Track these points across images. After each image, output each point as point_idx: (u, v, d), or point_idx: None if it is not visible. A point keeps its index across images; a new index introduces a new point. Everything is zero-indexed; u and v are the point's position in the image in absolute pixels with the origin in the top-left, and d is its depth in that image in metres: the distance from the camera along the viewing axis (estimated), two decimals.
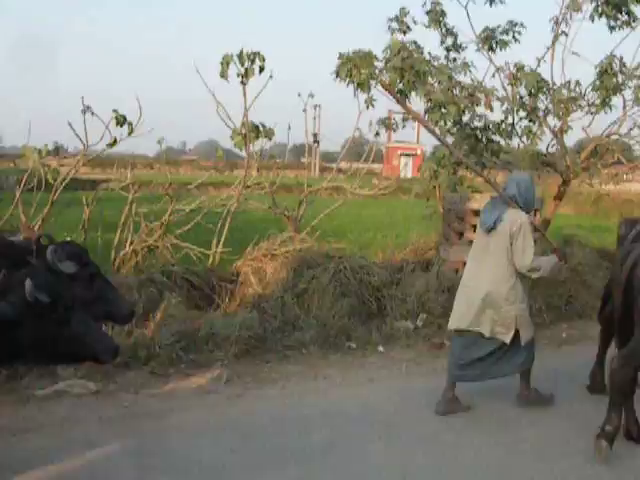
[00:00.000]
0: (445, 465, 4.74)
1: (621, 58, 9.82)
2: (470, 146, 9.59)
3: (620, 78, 9.75)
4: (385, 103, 9.80)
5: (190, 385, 6.10)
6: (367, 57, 9.39)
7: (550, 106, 10.03)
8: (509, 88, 9.74)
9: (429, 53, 9.86)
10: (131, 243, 8.55)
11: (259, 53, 8.65)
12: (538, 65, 9.89)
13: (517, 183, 5.66)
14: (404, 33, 9.80)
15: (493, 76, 10.01)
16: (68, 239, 6.09)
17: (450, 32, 10.19)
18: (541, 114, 9.94)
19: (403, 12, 9.82)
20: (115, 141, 8.18)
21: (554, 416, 5.68)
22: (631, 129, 10.40)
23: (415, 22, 9.88)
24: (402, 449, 4.95)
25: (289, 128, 11.25)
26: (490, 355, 5.60)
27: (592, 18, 9.84)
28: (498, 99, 9.65)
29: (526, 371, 5.77)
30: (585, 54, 10.05)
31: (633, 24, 9.99)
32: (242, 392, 6.01)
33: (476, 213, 8.90)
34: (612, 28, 10.04)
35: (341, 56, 9.12)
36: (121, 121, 8.02)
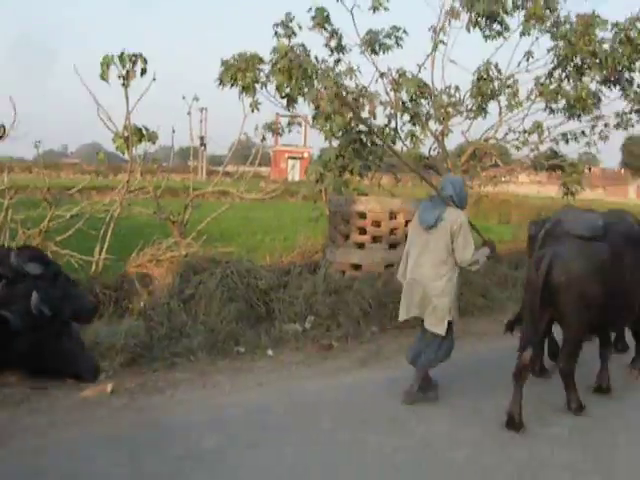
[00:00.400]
0: (338, 464, 4.77)
1: (496, 65, 10.27)
2: (355, 150, 9.75)
3: (496, 84, 10.20)
4: (271, 107, 9.85)
5: (73, 398, 5.86)
6: (252, 60, 9.39)
7: (432, 111, 10.36)
8: (392, 93, 9.99)
9: (315, 57, 9.97)
10: None
11: (141, 55, 8.46)
12: (419, 71, 10.20)
13: (452, 184, 6.04)
14: (289, 38, 9.85)
15: (377, 81, 10.26)
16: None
17: (335, 32, 10.32)
18: (423, 118, 10.25)
19: (289, 17, 9.88)
20: None
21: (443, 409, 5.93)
22: (506, 134, 10.92)
23: (300, 27, 9.96)
24: (294, 451, 4.93)
25: (173, 131, 11.08)
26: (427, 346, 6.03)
27: (468, 28, 10.25)
28: (381, 103, 9.87)
29: (430, 364, 6.10)
30: (465, 61, 10.48)
31: (506, 34, 10.47)
32: (128, 403, 5.82)
33: (361, 215, 9.07)
34: (487, 37, 10.50)
35: (224, 63, 9.06)
36: None
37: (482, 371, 6.86)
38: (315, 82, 9.38)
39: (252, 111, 9.44)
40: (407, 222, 9.24)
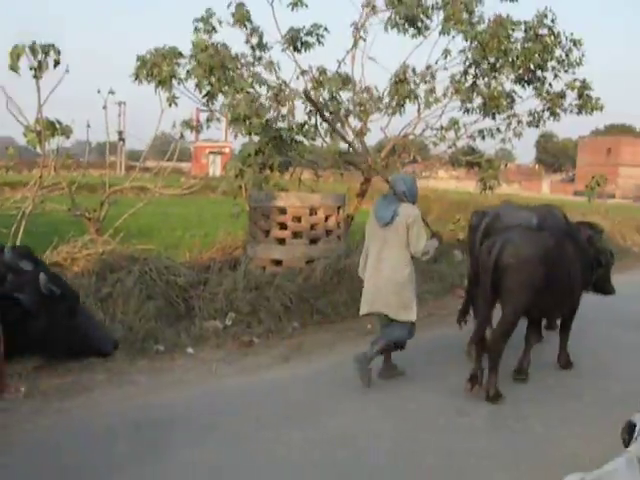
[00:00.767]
0: (260, 463, 4.73)
1: (414, 68, 10.43)
2: (275, 146, 9.71)
3: (412, 86, 10.35)
4: (190, 102, 9.72)
5: None
6: (169, 54, 9.23)
7: (351, 107, 10.42)
8: (313, 91, 9.99)
9: (236, 54, 9.88)
10: None
11: (53, 45, 8.16)
12: (339, 67, 10.23)
13: (404, 181, 6.43)
14: (210, 33, 9.73)
15: (298, 78, 10.25)
16: None
17: (255, 30, 10.26)
18: (343, 115, 10.31)
19: (209, 13, 9.76)
20: None
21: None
22: (424, 130, 11.10)
23: (220, 23, 9.84)
24: (215, 450, 4.87)
25: (88, 125, 10.79)
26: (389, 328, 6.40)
27: (386, 28, 10.34)
28: (302, 97, 9.86)
29: (389, 347, 6.46)
30: (384, 58, 10.57)
31: (425, 33, 10.63)
32: (42, 406, 5.62)
33: (282, 211, 9.06)
34: (407, 33, 10.62)
35: (139, 58, 8.88)
36: None
37: (402, 366, 6.96)
38: (234, 78, 9.28)
39: (169, 106, 9.29)
40: (327, 217, 9.31)
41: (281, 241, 9.13)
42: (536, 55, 10.31)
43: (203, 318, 7.85)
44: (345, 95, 10.48)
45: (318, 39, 10.45)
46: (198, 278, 8.30)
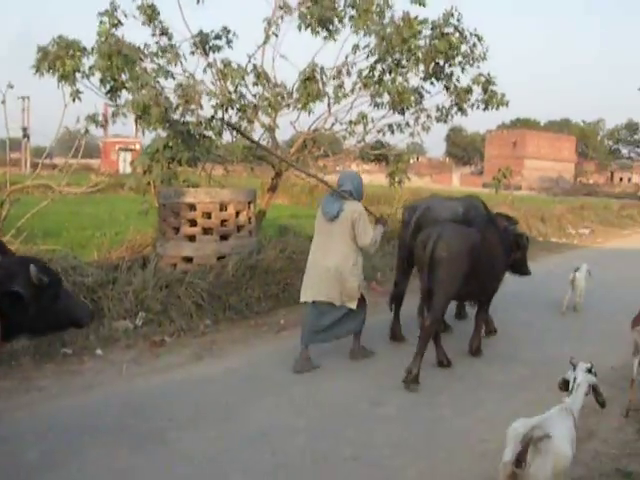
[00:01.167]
0: (172, 464, 4.63)
1: (322, 67, 10.45)
2: (183, 141, 9.55)
3: (320, 85, 10.39)
4: (93, 97, 9.44)
5: None
6: (72, 47, 8.93)
7: (260, 102, 10.35)
8: (219, 84, 9.87)
9: (138, 46, 9.64)
10: None
11: None
12: (249, 62, 10.15)
13: (351, 180, 6.86)
14: (115, 27, 9.46)
15: (205, 71, 10.09)
16: None
17: (165, 33, 10.05)
18: (252, 110, 10.23)
19: (113, 6, 9.48)
20: None
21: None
22: (333, 124, 11.15)
23: (126, 15, 9.59)
24: (127, 454, 4.75)
25: None
26: (337, 320, 6.77)
27: (299, 28, 10.32)
28: (209, 94, 9.72)
29: (358, 332, 7.02)
30: (296, 55, 10.55)
31: (336, 36, 10.67)
32: None
33: (191, 207, 8.93)
34: (322, 36, 10.66)
35: (40, 49, 8.56)
36: None
37: (318, 360, 7.00)
38: (138, 72, 9.04)
39: (73, 101, 8.98)
40: (238, 213, 9.24)
41: (191, 238, 8.98)
42: (441, 54, 10.50)
43: (112, 318, 7.64)
44: (255, 90, 10.41)
45: (228, 43, 10.35)
46: (107, 277, 8.06)
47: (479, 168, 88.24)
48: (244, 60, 10.18)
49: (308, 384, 6.33)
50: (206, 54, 10.26)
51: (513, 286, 8.42)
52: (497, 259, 7.25)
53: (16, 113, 45.60)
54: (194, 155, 9.42)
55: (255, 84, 10.34)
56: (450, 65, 11.04)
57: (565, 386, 4.33)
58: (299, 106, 10.47)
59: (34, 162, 44.38)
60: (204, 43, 10.18)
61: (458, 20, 10.67)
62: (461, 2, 10.76)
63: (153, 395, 5.90)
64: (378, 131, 11.59)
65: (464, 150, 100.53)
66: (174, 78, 9.63)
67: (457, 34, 10.67)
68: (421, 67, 10.78)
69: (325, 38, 10.67)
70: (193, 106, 9.07)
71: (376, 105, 11.22)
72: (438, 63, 10.85)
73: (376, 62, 10.85)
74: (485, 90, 11.21)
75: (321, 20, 10.20)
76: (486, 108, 11.40)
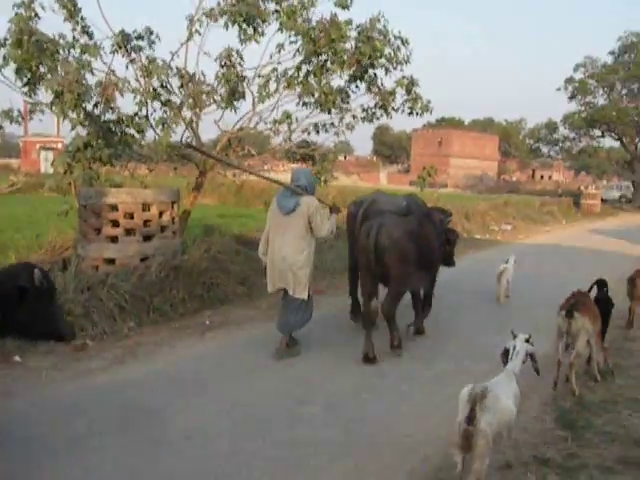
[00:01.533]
0: (92, 469, 4.52)
1: (238, 51, 10.39)
2: (105, 139, 9.32)
3: (239, 70, 10.33)
4: (8, 92, 9.10)
5: None
6: None
7: (185, 99, 10.20)
8: (142, 80, 9.66)
9: (54, 36, 9.32)
10: None
11: None
12: (172, 59, 9.97)
13: (305, 175, 7.29)
14: (31, 19, 9.13)
15: (127, 68, 9.86)
16: None
17: (86, 31, 9.76)
18: (176, 107, 10.05)
19: None
20: None
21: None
22: (257, 123, 11.09)
23: (43, 8, 9.27)
24: (42, 462, 4.59)
25: None
26: (293, 311, 7.15)
27: (226, 26, 10.18)
28: (134, 92, 9.50)
29: (298, 328, 7.31)
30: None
31: (259, 39, 10.60)
32: None
33: (113, 208, 8.73)
34: (243, 41, 10.57)
35: None
36: None
37: (237, 357, 6.95)
38: (56, 63, 8.76)
39: None
40: (161, 213, 9.09)
41: (113, 239, 8.78)
42: (366, 57, 10.57)
43: None
44: (178, 86, 10.22)
45: (150, 44, 10.13)
46: None
47: (406, 166, 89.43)
48: (169, 58, 10.00)
49: (234, 385, 6.28)
50: (128, 54, 10.02)
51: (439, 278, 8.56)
52: (434, 250, 7.89)
53: None
54: (116, 153, 9.21)
55: (180, 86, 10.18)
56: (374, 67, 11.12)
57: (506, 355, 4.86)
58: (223, 105, 10.38)
59: None
60: (126, 43, 9.94)
61: (384, 26, 10.78)
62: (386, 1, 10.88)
63: (74, 401, 5.74)
64: (303, 130, 11.61)
65: (391, 149, 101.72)
66: (93, 74, 9.36)
67: (382, 37, 10.76)
68: (346, 70, 10.81)
69: (251, 37, 10.59)
70: (112, 103, 8.87)
71: (304, 104, 11.22)
72: (362, 65, 10.91)
73: (302, 62, 10.83)
74: (409, 91, 11.35)
75: (247, 17, 10.11)
76: (411, 113, 11.57)
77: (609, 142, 55.73)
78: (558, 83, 70.00)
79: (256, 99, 10.77)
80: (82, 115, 8.98)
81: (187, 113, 10.35)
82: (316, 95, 10.80)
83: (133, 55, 9.93)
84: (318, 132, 11.67)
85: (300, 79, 10.79)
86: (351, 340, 7.83)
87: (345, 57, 10.48)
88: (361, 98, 11.71)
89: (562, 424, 5.54)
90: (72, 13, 9.57)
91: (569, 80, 47.40)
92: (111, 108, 9.16)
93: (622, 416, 5.75)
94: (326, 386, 6.31)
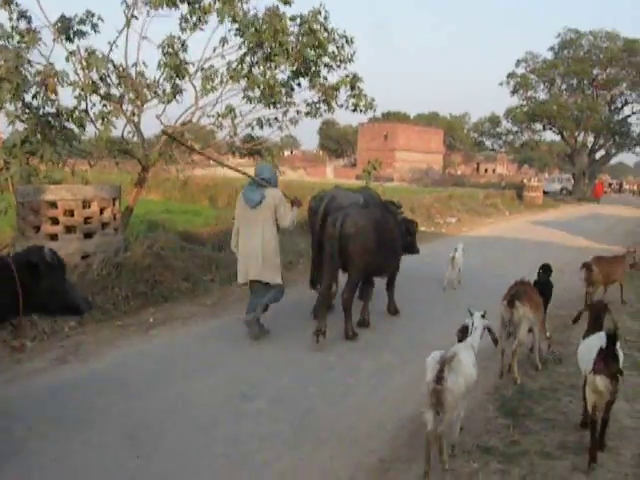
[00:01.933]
0: (30, 473, 4.40)
1: (180, 37, 10.26)
2: (43, 134, 9.10)
3: (182, 56, 10.20)
4: None
5: None
6: None
7: (125, 93, 10.01)
8: (81, 73, 9.44)
9: None
10: None
11: None
12: (110, 49, 9.76)
13: (268, 169, 7.74)
14: None
15: (67, 60, 9.60)
16: None
17: (23, 15, 9.48)
18: (117, 100, 9.87)
19: None
20: None
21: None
22: (200, 117, 10.97)
23: None
24: None
25: None
26: (265, 293, 7.58)
27: (160, 4, 9.97)
28: (72, 85, 9.28)
29: (266, 307, 7.68)
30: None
31: (202, 26, 10.47)
32: None
33: (52, 205, 8.53)
34: (183, 30, 10.42)
35: None
36: None
37: (182, 355, 6.91)
38: None
39: None
40: (102, 210, 8.92)
41: (53, 237, 8.55)
42: (309, 49, 10.57)
43: None
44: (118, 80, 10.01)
45: (93, 27, 9.88)
46: None
47: (352, 160, 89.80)
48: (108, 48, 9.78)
49: (179, 383, 6.19)
50: (70, 40, 9.75)
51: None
52: (396, 240, 8.39)
53: None
54: (56, 149, 8.98)
55: (118, 79, 9.98)
56: (317, 64, 11.13)
57: (463, 332, 5.27)
58: (165, 99, 10.23)
59: None
60: (67, 29, 9.66)
61: (325, 18, 10.79)
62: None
63: (12, 404, 5.58)
64: (247, 125, 11.55)
65: (337, 143, 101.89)
66: (32, 66, 9.12)
67: (325, 33, 10.77)
68: (290, 63, 10.78)
69: (193, 27, 10.46)
70: (53, 96, 8.66)
71: (248, 99, 11.16)
72: (306, 60, 10.90)
73: (245, 54, 10.76)
74: (352, 87, 11.39)
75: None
76: (355, 110, 11.63)
77: (550, 136, 57.18)
78: (501, 78, 71.04)
79: (199, 93, 10.65)
80: (20, 107, 8.76)
81: (128, 107, 10.17)
82: (261, 88, 10.74)
83: (76, 42, 9.70)
84: (262, 127, 11.64)
85: (244, 71, 10.71)
86: (296, 334, 7.82)
87: (289, 48, 10.44)
88: (305, 93, 11.74)
89: (504, 412, 5.65)
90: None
91: (511, 75, 48.31)
92: (51, 100, 8.93)
93: (562, 403, 5.89)
94: (272, 381, 6.29)
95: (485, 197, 31.40)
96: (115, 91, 9.89)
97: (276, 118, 11.61)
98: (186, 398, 5.83)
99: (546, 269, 7.97)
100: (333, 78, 11.49)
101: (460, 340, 5.17)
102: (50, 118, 9.15)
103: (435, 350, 4.61)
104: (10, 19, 9.44)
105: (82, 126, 9.41)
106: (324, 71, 11.38)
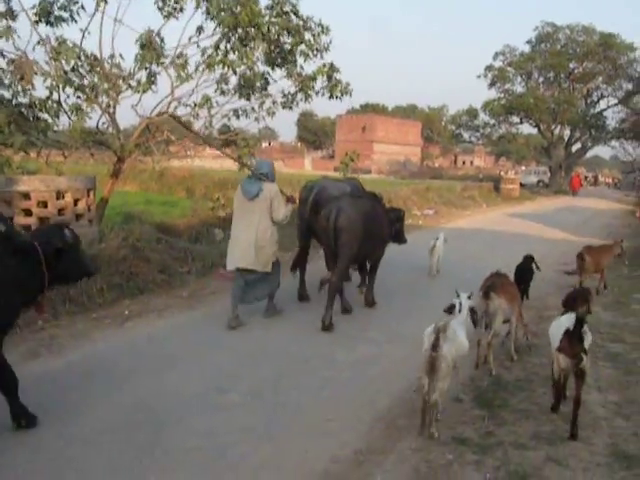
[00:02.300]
0: (5, 470, 4.37)
1: (159, 33, 10.14)
2: (17, 124, 8.96)
3: (160, 51, 10.07)
4: None
5: None
6: None
7: (100, 83, 9.88)
8: (53, 62, 9.29)
9: None
10: None
11: None
12: (83, 36, 9.60)
13: (267, 164, 8.11)
14: None
15: (34, 49, 9.43)
16: None
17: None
18: (91, 91, 9.73)
19: None
20: None
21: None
22: (176, 107, 10.86)
23: None
24: None
25: None
26: (257, 283, 7.96)
27: None
28: (43, 75, 9.13)
29: (272, 294, 8.20)
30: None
31: (178, 14, 10.37)
32: None
33: (25, 196, 8.42)
34: (166, 17, 10.31)
35: None
36: None
37: (157, 347, 6.85)
38: None
39: None
40: (76, 201, 8.82)
41: (26, 228, 8.40)
42: (286, 34, 10.50)
43: None
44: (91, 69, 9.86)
45: (72, 16, 9.68)
46: None
47: (330, 152, 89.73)
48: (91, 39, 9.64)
49: (154, 376, 6.14)
50: (51, 25, 9.55)
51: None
52: (383, 228, 8.70)
53: None
54: (29, 140, 8.85)
55: (93, 66, 9.83)
56: (292, 53, 11.07)
57: (451, 309, 5.74)
58: (140, 89, 10.10)
59: None
60: (47, 13, 9.46)
61: (294, 5, 10.75)
62: None
63: None
64: (223, 116, 11.46)
65: (315, 134, 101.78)
66: (4, 56, 8.97)
67: (300, 21, 10.72)
68: (265, 48, 10.71)
69: (169, 14, 10.35)
70: (28, 86, 8.52)
71: (222, 92, 11.09)
72: (282, 48, 10.83)
73: (220, 39, 10.65)
74: (329, 78, 11.35)
75: None
76: (331, 97, 11.57)
77: (527, 129, 57.48)
78: (479, 71, 71.35)
79: (174, 81, 10.53)
80: None
81: (103, 98, 10.04)
82: (237, 75, 10.67)
83: (54, 29, 9.53)
84: (238, 117, 11.56)
85: (220, 57, 10.57)
86: (271, 326, 7.82)
87: (264, 30, 10.36)
88: (282, 82, 11.68)
89: (479, 404, 5.68)
90: None
91: (489, 68, 48.60)
92: (24, 90, 8.79)
93: (536, 394, 5.94)
94: (247, 373, 6.26)
95: (463, 189, 31.53)
96: (90, 81, 9.73)
97: (252, 108, 11.53)
98: (161, 390, 5.78)
99: (529, 258, 8.89)
100: (310, 67, 11.45)
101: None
102: (23, 109, 9.01)
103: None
104: None
105: (56, 116, 9.28)
106: (300, 60, 11.33)
